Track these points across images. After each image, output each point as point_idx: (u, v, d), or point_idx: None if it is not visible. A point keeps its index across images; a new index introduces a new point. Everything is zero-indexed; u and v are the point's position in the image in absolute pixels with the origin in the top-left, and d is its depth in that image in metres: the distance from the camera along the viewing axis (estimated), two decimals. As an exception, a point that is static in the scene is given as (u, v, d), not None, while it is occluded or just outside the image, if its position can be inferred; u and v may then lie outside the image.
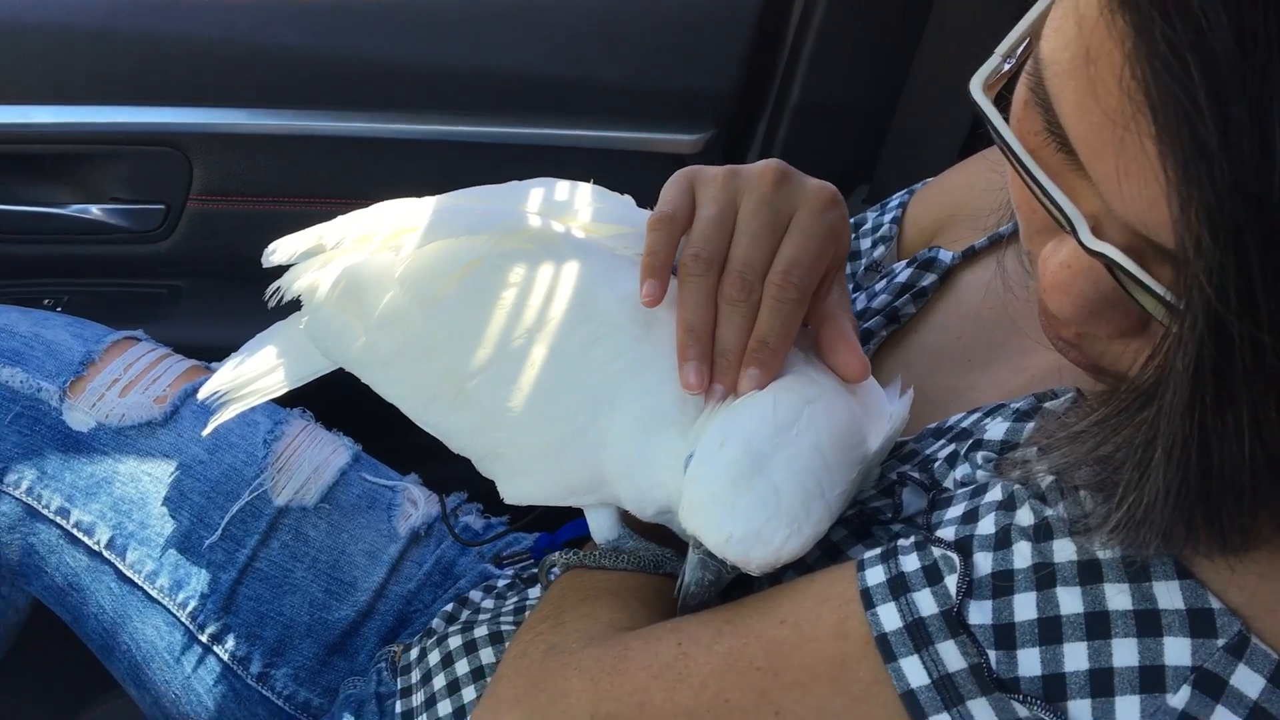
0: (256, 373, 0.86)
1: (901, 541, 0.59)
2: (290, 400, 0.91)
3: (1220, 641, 0.49)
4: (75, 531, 0.99)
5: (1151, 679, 0.49)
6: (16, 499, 1.00)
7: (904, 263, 0.88)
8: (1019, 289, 0.70)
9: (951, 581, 0.55)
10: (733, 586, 0.68)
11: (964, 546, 0.56)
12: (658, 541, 0.75)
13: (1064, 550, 0.52)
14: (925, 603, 0.55)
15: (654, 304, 0.67)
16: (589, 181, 0.80)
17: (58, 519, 0.99)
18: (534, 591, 0.95)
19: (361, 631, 1.01)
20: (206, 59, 1.36)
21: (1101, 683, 0.50)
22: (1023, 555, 0.53)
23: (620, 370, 0.69)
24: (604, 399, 0.69)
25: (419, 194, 0.80)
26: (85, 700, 1.20)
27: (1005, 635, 0.53)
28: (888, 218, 0.97)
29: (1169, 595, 0.50)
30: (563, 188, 0.79)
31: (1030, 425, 0.61)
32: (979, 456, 0.62)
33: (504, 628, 0.87)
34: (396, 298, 0.73)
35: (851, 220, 0.91)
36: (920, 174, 1.01)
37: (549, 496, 0.74)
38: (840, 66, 1.42)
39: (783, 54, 1.43)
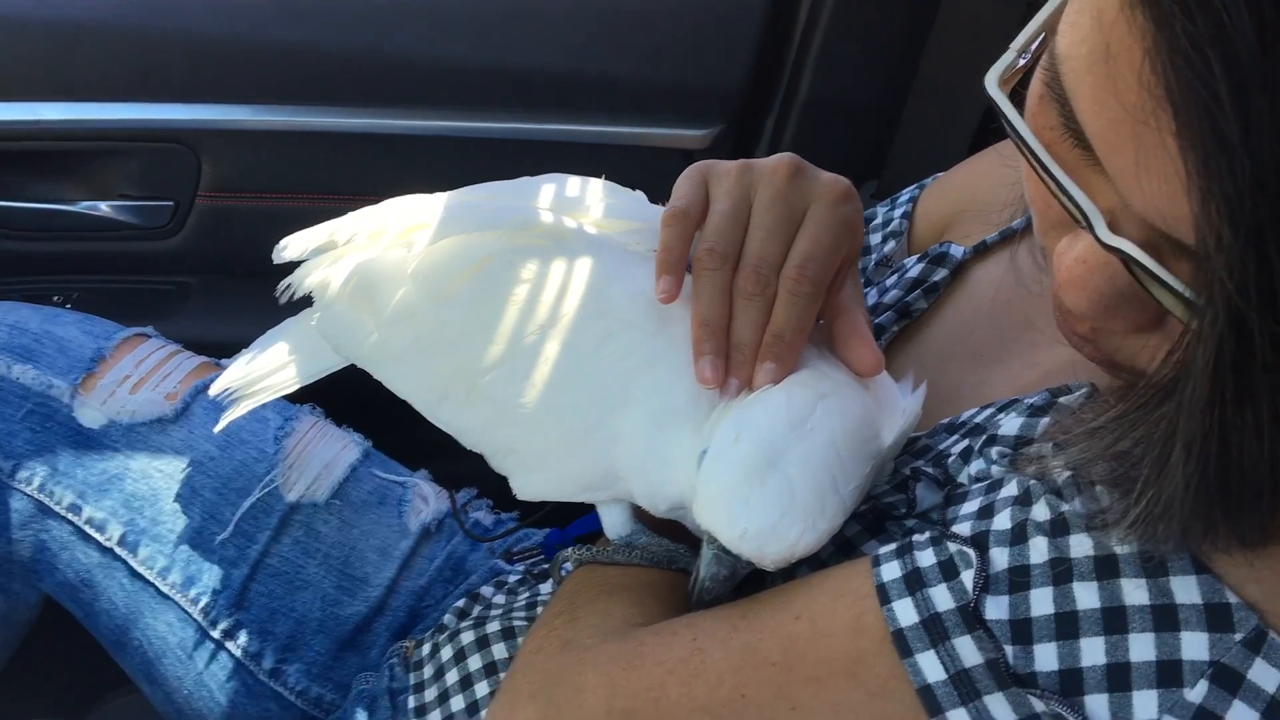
0: (268, 369, 0.86)
1: (917, 537, 0.59)
2: (300, 397, 0.91)
3: (1237, 636, 0.49)
4: (87, 528, 1.00)
5: (1169, 674, 0.49)
6: (28, 496, 1.00)
7: (915, 258, 0.88)
8: (1032, 284, 0.70)
9: (968, 577, 0.55)
10: (745, 582, 0.68)
11: (980, 542, 0.56)
12: (670, 537, 0.75)
13: (1080, 545, 0.52)
14: (941, 598, 0.55)
15: (670, 300, 0.67)
16: (598, 177, 0.81)
17: (69, 516, 1.00)
18: (545, 587, 0.95)
19: (373, 627, 1.01)
20: (214, 55, 1.36)
21: (1118, 678, 0.50)
22: (1039, 550, 0.53)
23: (633, 366, 0.69)
24: (617, 395, 0.69)
25: (427, 190, 0.80)
26: (97, 696, 1.20)
27: (1022, 630, 0.53)
28: (898, 213, 0.97)
29: (1186, 590, 0.50)
30: (574, 183, 0.79)
31: (1045, 420, 0.61)
32: (994, 452, 0.62)
33: (516, 623, 0.88)
34: (409, 294, 0.73)
35: (861, 215, 0.91)
36: (929, 169, 1.01)
37: (562, 492, 0.74)
38: (849, 61, 1.42)
39: (791, 49, 1.43)
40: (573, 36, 1.40)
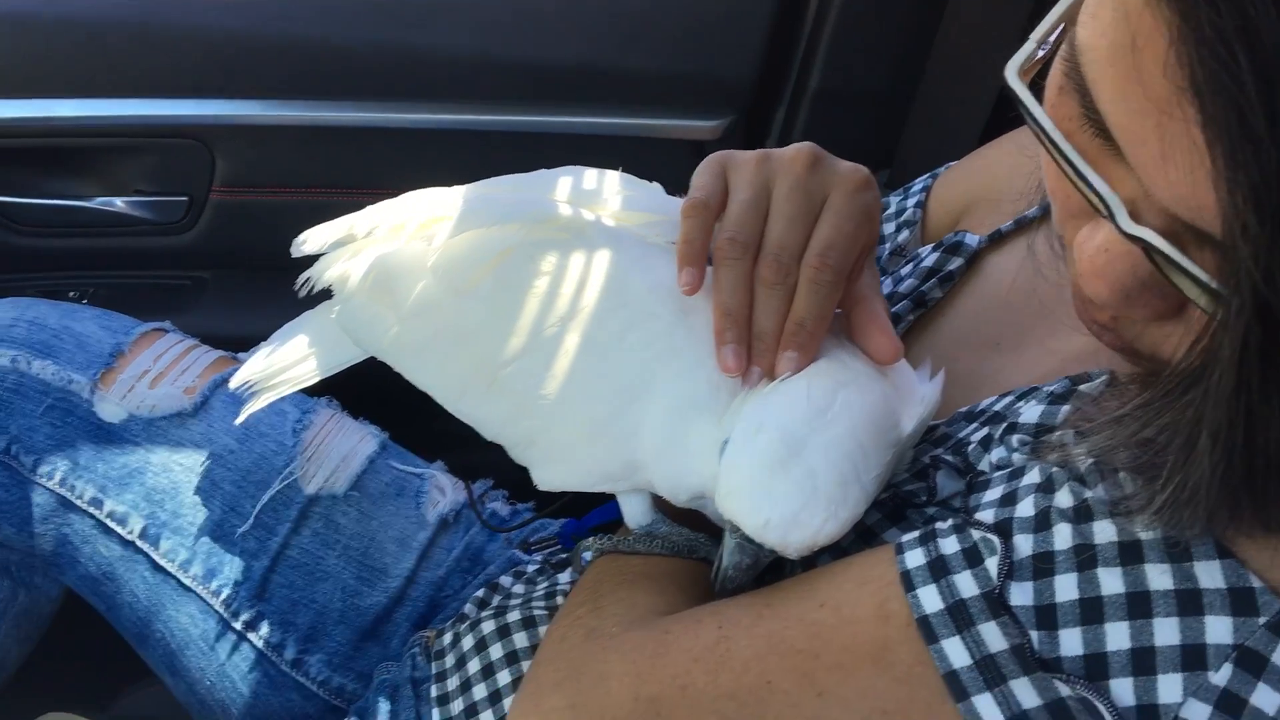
0: (287, 362, 0.87)
1: (939, 525, 0.59)
2: (316, 390, 0.91)
3: (1261, 620, 0.49)
4: (109, 522, 1.00)
5: (1193, 657, 0.50)
6: (50, 490, 1.01)
7: (929, 247, 0.89)
8: (1049, 272, 0.70)
9: (992, 564, 0.55)
10: (765, 570, 0.69)
11: (1004, 529, 0.56)
12: (691, 526, 0.75)
13: (1104, 531, 0.53)
14: (966, 585, 0.55)
15: (693, 291, 0.68)
16: (609, 169, 0.81)
17: (91, 509, 1.00)
18: (564, 576, 0.95)
19: (394, 617, 1.02)
20: (228, 50, 1.36)
21: (1143, 661, 0.51)
22: (1063, 537, 0.54)
23: (654, 357, 0.70)
24: (638, 386, 0.70)
25: (440, 183, 0.80)
26: (119, 689, 1.21)
27: (1047, 616, 0.53)
28: (911, 202, 0.97)
29: (1210, 575, 0.50)
30: (591, 176, 0.79)
31: (1065, 408, 0.61)
32: (1014, 439, 0.62)
33: (536, 612, 0.88)
34: (429, 287, 0.73)
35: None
36: (940, 159, 1.01)
37: (583, 483, 0.74)
38: (859, 51, 1.42)
39: (802, 39, 1.43)
40: (583, 29, 1.40)
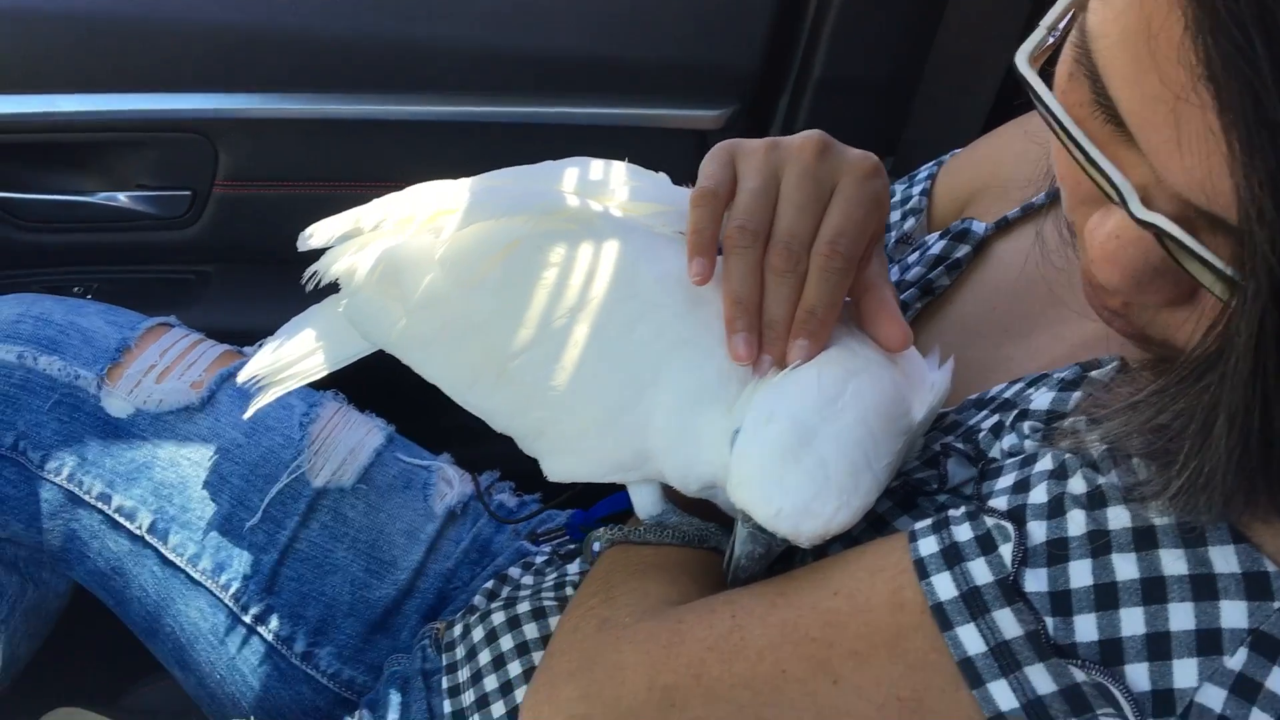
0: (295, 356, 0.87)
1: (952, 512, 0.59)
2: (323, 383, 0.91)
3: (1276, 604, 0.49)
4: (117, 516, 1.00)
5: (1208, 642, 0.50)
6: (58, 485, 1.01)
7: (936, 235, 0.89)
8: (1058, 258, 0.70)
9: (1006, 550, 0.55)
10: (776, 560, 0.69)
11: (1017, 516, 0.56)
12: (701, 516, 0.75)
13: (1118, 517, 0.53)
14: (980, 571, 0.55)
15: (704, 281, 0.68)
16: (614, 159, 0.80)
17: (99, 504, 1.01)
18: (573, 567, 0.95)
19: (403, 609, 1.02)
20: (230, 44, 1.36)
21: (1158, 646, 0.51)
22: (1077, 523, 0.54)
23: (663, 347, 0.70)
24: (647, 376, 0.70)
25: (444, 176, 0.80)
26: (128, 683, 1.21)
27: (1062, 602, 0.53)
28: (917, 190, 0.97)
29: (1224, 559, 0.50)
30: (597, 167, 0.79)
31: (1076, 395, 0.61)
32: (1025, 426, 0.62)
33: (546, 603, 0.88)
34: (437, 279, 0.73)
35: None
36: (944, 147, 1.01)
37: (593, 474, 0.74)
38: (863, 40, 1.42)
39: (805, 27, 1.43)
40: (586, 19, 1.40)
